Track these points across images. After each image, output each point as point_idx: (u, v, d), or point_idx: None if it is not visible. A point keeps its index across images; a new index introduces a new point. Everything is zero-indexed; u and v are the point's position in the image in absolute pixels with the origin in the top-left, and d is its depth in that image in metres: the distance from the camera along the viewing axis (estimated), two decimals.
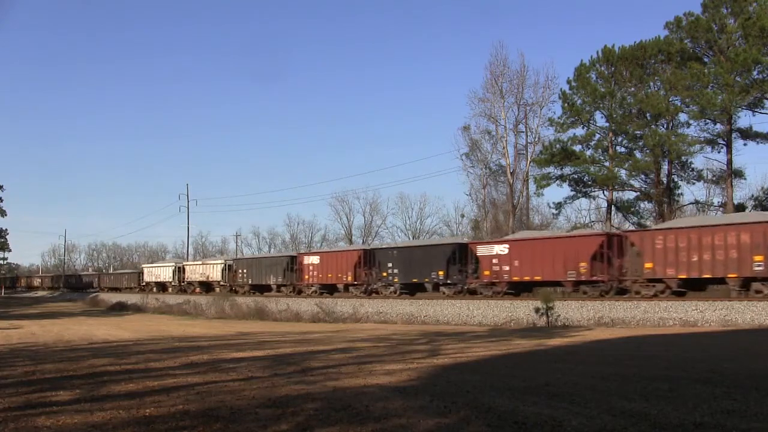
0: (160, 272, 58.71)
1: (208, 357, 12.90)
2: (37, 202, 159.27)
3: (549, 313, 23.75)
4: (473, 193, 51.71)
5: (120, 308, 49.89)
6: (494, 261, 30.08)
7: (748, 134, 37.93)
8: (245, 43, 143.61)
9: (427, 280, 33.35)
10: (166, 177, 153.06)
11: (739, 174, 39.34)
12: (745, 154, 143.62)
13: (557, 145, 42.00)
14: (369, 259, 37.06)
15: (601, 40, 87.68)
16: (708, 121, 37.83)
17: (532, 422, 5.97)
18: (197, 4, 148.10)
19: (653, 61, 39.50)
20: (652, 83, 40.01)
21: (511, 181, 46.47)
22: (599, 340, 17.00)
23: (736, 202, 38.54)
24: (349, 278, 37.53)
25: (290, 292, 41.94)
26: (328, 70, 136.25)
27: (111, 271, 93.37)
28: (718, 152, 39.19)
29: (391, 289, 35.12)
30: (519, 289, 30.02)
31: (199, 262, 55.07)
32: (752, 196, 41.30)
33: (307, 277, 40.59)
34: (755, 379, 8.88)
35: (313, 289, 40.31)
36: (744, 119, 51.00)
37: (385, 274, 35.28)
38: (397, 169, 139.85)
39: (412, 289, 34.67)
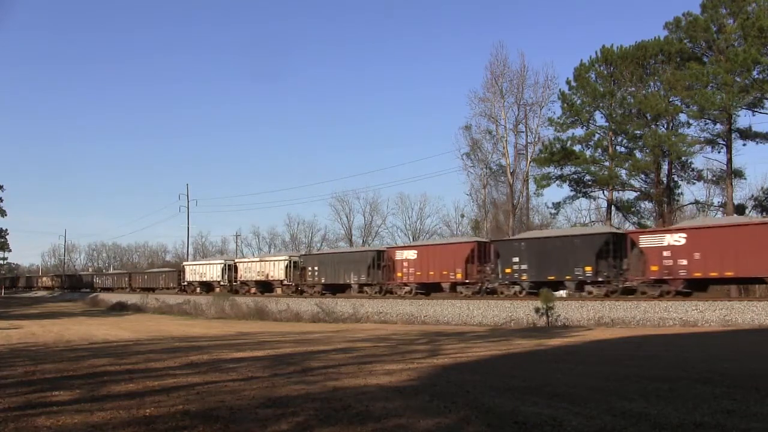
0: (205, 270, 52.85)
1: (208, 357, 12.90)
2: (37, 202, 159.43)
3: (549, 313, 23.76)
4: (473, 193, 51.79)
5: (120, 308, 49.88)
6: (665, 254, 25.17)
7: (747, 134, 37.97)
8: (245, 43, 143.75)
9: (568, 277, 27.79)
10: (166, 177, 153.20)
11: (738, 174, 39.39)
12: (744, 154, 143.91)
13: (557, 145, 42.06)
14: (484, 252, 31.88)
15: (600, 40, 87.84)
16: (708, 121, 37.89)
17: (532, 422, 5.97)
18: (197, 4, 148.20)
19: (653, 61, 39.56)
20: (651, 83, 40.06)
21: (511, 181, 46.49)
22: (599, 340, 17.00)
23: (736, 202, 38.58)
24: (458, 275, 32.04)
25: (376, 292, 36.52)
26: (328, 70, 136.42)
27: (146, 269, 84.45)
28: (718, 152, 39.28)
29: (516, 288, 29.95)
30: (698, 287, 25.82)
31: (257, 259, 49.30)
32: (752, 196, 41.39)
33: (400, 274, 34.92)
34: (755, 379, 8.88)
35: (408, 289, 34.89)
36: (744, 119, 51.05)
37: (508, 270, 29.97)
38: (397, 169, 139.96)
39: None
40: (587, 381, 8.76)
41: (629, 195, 43.91)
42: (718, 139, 38.65)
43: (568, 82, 42.18)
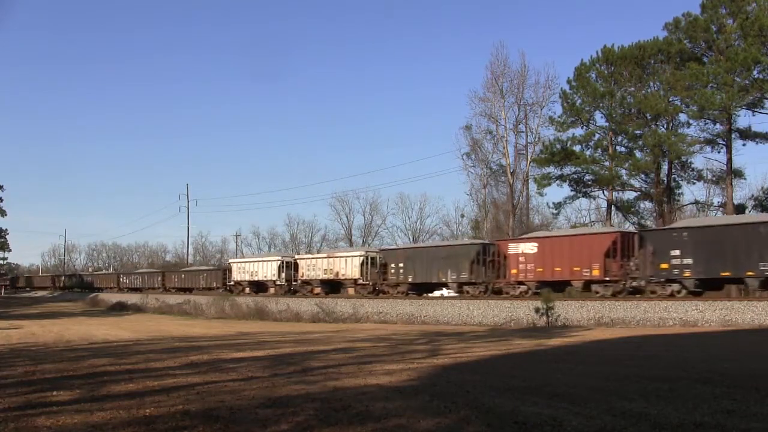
0: (257, 269, 47.14)
1: (208, 357, 12.90)
2: (37, 202, 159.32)
3: (549, 313, 23.75)
4: (474, 193, 51.80)
5: (120, 308, 49.88)
6: None
7: (747, 134, 37.99)
8: (245, 43, 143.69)
9: (751, 273, 23.12)
10: (166, 177, 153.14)
11: (738, 174, 39.41)
12: (744, 154, 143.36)
13: (557, 145, 42.07)
14: (627, 244, 27.20)
15: (601, 40, 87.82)
16: (708, 121, 37.91)
17: (532, 422, 5.97)
18: (197, 4, 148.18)
19: (653, 61, 39.59)
20: (651, 83, 40.08)
21: (512, 181, 46.51)
22: (599, 340, 17.00)
23: (735, 202, 38.58)
24: (594, 272, 27.18)
25: (481, 292, 31.46)
26: (328, 70, 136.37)
27: (184, 267, 74.52)
28: (718, 152, 39.30)
29: (673, 287, 25.11)
30: None
31: (323, 255, 43.29)
32: (752, 196, 41.39)
33: (514, 271, 29.91)
34: (755, 379, 8.88)
35: (523, 288, 29.77)
36: (743, 119, 51.02)
37: (665, 265, 24.96)
38: (397, 169, 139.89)
39: (711, 288, 24.82)
40: (587, 381, 8.76)
41: (629, 195, 43.97)
42: (718, 139, 38.67)
43: (568, 82, 42.23)
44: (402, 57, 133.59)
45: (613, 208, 43.53)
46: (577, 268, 27.69)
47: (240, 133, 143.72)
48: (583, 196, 45.38)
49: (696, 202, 44.99)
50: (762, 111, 36.91)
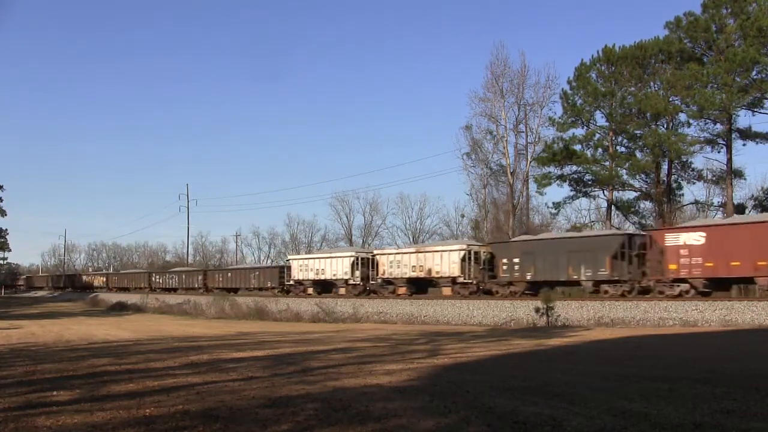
0: (325, 266, 41.07)
1: (208, 357, 12.90)
2: (37, 202, 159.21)
3: (549, 313, 23.75)
4: (474, 193, 51.71)
5: (120, 308, 49.86)
6: None
7: (747, 134, 37.98)
8: (245, 43, 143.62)
9: None
10: (166, 177, 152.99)
11: (738, 174, 39.40)
12: (744, 154, 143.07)
13: (558, 145, 42.07)
14: None
15: (601, 40, 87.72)
16: (708, 121, 37.90)
17: (532, 422, 5.97)
18: (197, 4, 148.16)
19: (653, 60, 39.58)
20: (652, 83, 40.08)
21: (512, 181, 46.48)
22: (599, 340, 17.01)
23: (736, 202, 38.58)
24: None
25: (627, 291, 26.51)
26: (328, 70, 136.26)
27: (232, 266, 69.99)
28: (718, 152, 39.28)
29: None
30: None
31: (411, 249, 36.86)
32: (752, 196, 41.36)
33: (673, 266, 24.94)
34: (755, 379, 8.88)
35: (684, 287, 24.86)
36: (744, 119, 51.06)
37: None
38: (397, 169, 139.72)
39: None
40: (587, 381, 8.76)
41: (629, 195, 43.96)
42: (718, 139, 38.67)
43: (569, 82, 42.21)
44: (402, 57, 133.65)
45: (613, 208, 43.54)
46: (764, 263, 22.83)
47: (240, 133, 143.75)
48: (583, 196, 45.39)
49: (696, 202, 45.02)
50: (762, 111, 36.94)
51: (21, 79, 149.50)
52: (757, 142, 38.32)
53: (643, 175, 41.96)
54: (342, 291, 39.23)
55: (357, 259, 39.20)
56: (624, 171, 41.49)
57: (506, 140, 46.64)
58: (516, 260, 30.48)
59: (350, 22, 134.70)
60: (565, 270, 28.55)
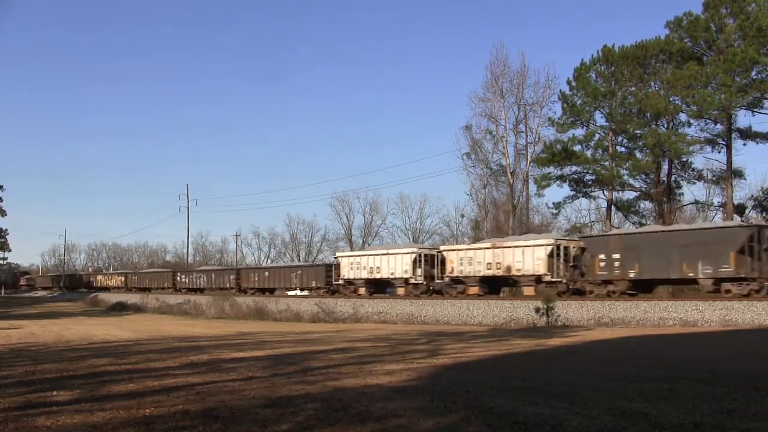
0: (380, 264, 37.24)
1: (208, 357, 12.90)
2: (37, 202, 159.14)
3: (549, 313, 23.75)
4: (474, 193, 51.69)
5: (120, 308, 49.87)
6: None
7: (747, 134, 37.98)
8: (245, 43, 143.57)
9: None
10: (166, 177, 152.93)
11: (738, 174, 39.40)
12: (745, 154, 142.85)
13: (557, 146, 42.07)
14: None
15: (601, 40, 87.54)
16: (708, 121, 37.91)
17: (532, 422, 5.97)
18: (197, 5, 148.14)
19: (653, 60, 39.59)
20: (652, 83, 40.08)
21: (512, 181, 46.48)
22: (599, 340, 17.01)
23: (735, 202, 38.58)
24: None
25: (755, 290, 23.43)
26: (328, 69, 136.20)
27: (270, 264, 65.64)
28: (718, 152, 39.29)
29: None
30: None
31: (485, 245, 33.15)
32: (752, 196, 41.34)
33: None
34: (755, 379, 8.89)
35: None
36: (744, 119, 51.04)
37: None
38: (397, 169, 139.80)
39: None
40: (587, 381, 8.76)
41: (629, 195, 43.97)
42: (718, 139, 38.68)
43: (568, 82, 42.19)
44: (402, 57, 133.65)
45: (613, 208, 43.55)
46: None
47: (240, 133, 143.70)
48: (583, 196, 45.41)
49: (696, 202, 45.05)
50: (762, 111, 36.93)
51: (21, 79, 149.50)
52: (757, 142, 38.34)
53: (643, 175, 41.98)
54: (400, 291, 35.69)
55: (419, 255, 35.27)
56: (624, 171, 41.51)
57: (506, 140, 46.67)
58: (616, 256, 26.85)
59: (350, 22, 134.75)
60: (677, 266, 25.13)
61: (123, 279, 68.38)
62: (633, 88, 39.95)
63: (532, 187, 46.33)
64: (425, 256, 35.34)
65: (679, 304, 23.49)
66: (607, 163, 41.67)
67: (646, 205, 43.63)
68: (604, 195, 44.20)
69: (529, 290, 30.07)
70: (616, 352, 13.65)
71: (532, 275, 29.80)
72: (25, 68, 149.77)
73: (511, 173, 46.38)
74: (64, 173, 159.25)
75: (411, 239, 66.59)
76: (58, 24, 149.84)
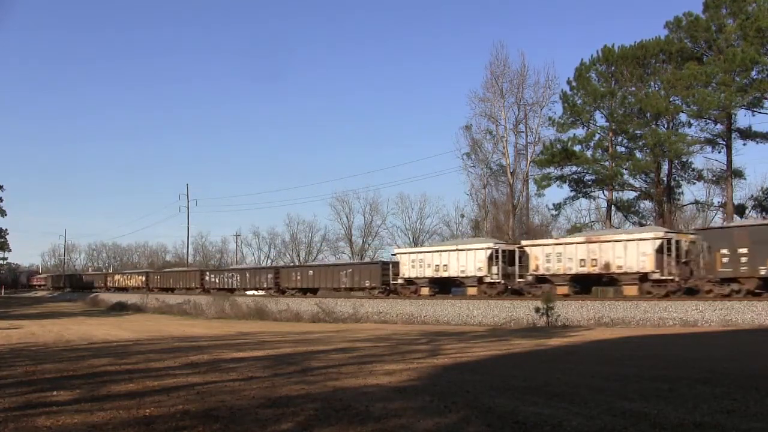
0: (450, 261, 33.43)
1: (208, 357, 12.90)
2: (37, 202, 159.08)
3: (549, 313, 23.74)
4: (474, 193, 51.72)
5: (120, 308, 49.86)
6: None
7: (747, 134, 38.02)
8: (245, 44, 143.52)
9: None
10: (166, 177, 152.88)
11: (738, 174, 39.43)
12: (745, 154, 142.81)
13: (558, 146, 42.10)
14: None
15: (601, 40, 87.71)
16: (708, 121, 37.96)
17: (532, 422, 5.97)
18: (197, 5, 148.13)
19: (653, 60, 39.64)
20: (652, 83, 40.11)
21: (511, 181, 46.51)
22: (599, 340, 17.01)
23: (735, 202, 38.61)
24: None
25: None
26: (328, 70, 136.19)
27: (313, 262, 60.84)
28: (718, 152, 39.35)
29: None
30: None
31: (580, 239, 29.53)
32: (752, 196, 41.38)
33: None
34: (755, 379, 8.89)
35: None
36: (744, 119, 51.09)
37: None
38: (397, 169, 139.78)
39: None
40: (587, 381, 8.76)
41: (629, 195, 44.01)
42: (718, 139, 38.72)
43: (569, 82, 42.24)
44: (402, 57, 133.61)
45: (613, 208, 43.57)
46: None
47: (240, 133, 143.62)
48: (583, 197, 45.45)
49: (696, 202, 45.09)
50: (762, 111, 36.97)
51: (21, 79, 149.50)
52: (757, 142, 38.40)
53: (643, 175, 42.02)
54: (472, 291, 32.23)
55: (496, 251, 31.80)
56: (624, 171, 41.55)
57: (506, 140, 46.70)
58: (743, 250, 23.59)
59: (350, 22, 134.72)
60: None
61: (144, 279, 63.06)
62: (633, 88, 39.97)
63: (533, 187, 46.43)
64: (503, 251, 31.93)
65: (679, 304, 23.50)
66: (607, 163, 41.71)
67: (646, 205, 43.73)
68: (604, 195, 44.28)
69: (630, 289, 26.74)
70: (616, 352, 13.65)
71: (636, 273, 26.50)
72: (25, 68, 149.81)
73: (511, 173, 46.41)
74: (64, 173, 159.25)
75: (411, 239, 66.62)
76: (58, 24, 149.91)
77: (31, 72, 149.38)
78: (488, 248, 32.20)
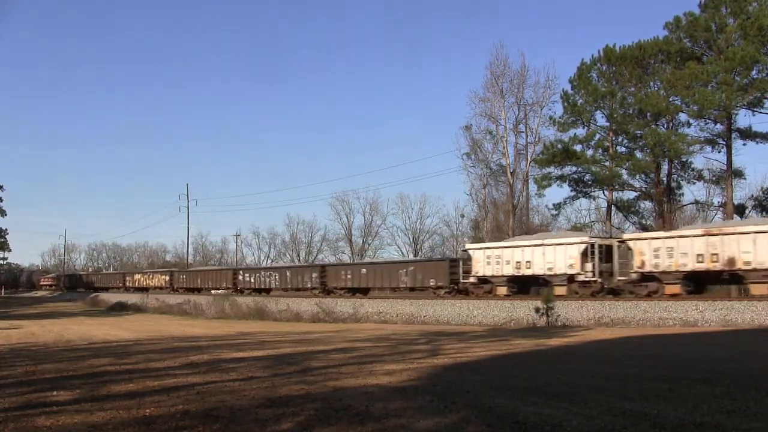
0: (533, 257, 29.84)
1: (208, 357, 12.90)
2: (37, 202, 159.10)
3: (549, 313, 23.74)
4: (474, 193, 51.68)
5: (120, 308, 49.86)
6: None
7: (747, 134, 38.00)
8: (246, 45, 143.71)
9: None
10: (166, 177, 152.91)
11: (738, 174, 39.42)
12: (745, 154, 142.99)
13: (558, 145, 42.09)
14: None
15: (601, 40, 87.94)
16: (708, 120, 37.95)
17: (532, 422, 5.97)
18: (198, 6, 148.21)
19: (653, 60, 39.61)
20: (652, 83, 40.11)
21: (512, 181, 46.47)
22: (599, 340, 17.01)
23: (735, 202, 38.60)
24: None
25: None
26: (329, 70, 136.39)
27: (370, 260, 57.44)
28: (718, 152, 39.33)
29: None
30: None
31: (697, 232, 26.02)
32: (752, 196, 41.39)
33: None
34: (755, 379, 8.89)
35: None
36: (744, 119, 51.10)
37: None
38: (397, 169, 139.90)
39: None
40: (587, 381, 8.76)
41: (629, 195, 44.00)
42: (718, 139, 38.70)
43: (570, 81, 42.22)
44: (402, 57, 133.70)
45: (613, 208, 43.56)
46: None
47: (240, 133, 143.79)
48: (583, 197, 45.43)
49: (696, 202, 45.09)
50: (762, 111, 36.94)
51: (21, 80, 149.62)
52: (757, 142, 38.36)
53: (643, 175, 42.01)
54: (560, 291, 28.43)
55: (591, 246, 28.32)
56: (624, 171, 41.55)
57: (506, 140, 46.64)
58: None
59: (350, 23, 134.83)
60: None
61: (168, 278, 57.59)
62: (633, 89, 39.98)
63: (533, 187, 46.39)
64: (599, 246, 28.49)
65: (679, 304, 23.50)
66: (607, 163, 41.71)
67: (646, 205, 43.71)
68: (604, 195, 44.25)
69: (760, 288, 23.76)
70: (616, 352, 13.64)
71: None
72: (25, 69, 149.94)
73: (511, 173, 46.38)
74: (64, 173, 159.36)
75: (411, 239, 66.63)
76: (58, 24, 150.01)
77: (31, 73, 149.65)
78: (582, 242, 28.81)
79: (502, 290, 31.12)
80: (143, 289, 59.65)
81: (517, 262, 30.52)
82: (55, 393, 8.20)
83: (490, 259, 31.75)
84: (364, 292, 38.83)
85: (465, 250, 34.75)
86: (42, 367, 11.40)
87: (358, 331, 22.93)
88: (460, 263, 33.81)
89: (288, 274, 44.95)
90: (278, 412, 6.59)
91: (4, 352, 15.33)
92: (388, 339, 17.83)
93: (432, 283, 34.76)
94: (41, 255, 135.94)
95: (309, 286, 42.11)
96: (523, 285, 31.46)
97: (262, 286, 46.65)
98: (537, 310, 24.05)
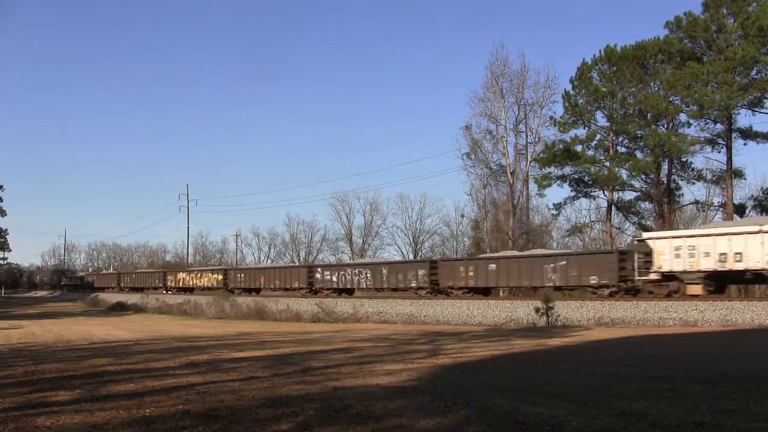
0: (745, 247, 23.75)
1: (208, 357, 12.90)
2: (37, 202, 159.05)
3: (549, 313, 23.74)
4: (474, 193, 51.67)
5: (120, 308, 49.88)
6: None
7: (748, 134, 38.03)
8: (246, 45, 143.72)
9: None
10: (166, 177, 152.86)
11: (739, 174, 39.45)
12: (745, 154, 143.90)
13: (559, 145, 42.10)
14: None
15: (601, 40, 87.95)
16: (708, 121, 37.98)
17: (532, 422, 5.97)
18: (198, 6, 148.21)
19: (653, 60, 39.62)
20: (652, 83, 40.12)
21: (512, 181, 46.47)
22: (599, 340, 17.00)
23: (736, 202, 38.61)
24: None
25: None
26: (329, 70, 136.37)
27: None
28: (718, 152, 39.37)
29: None
30: None
31: None
32: (752, 196, 41.41)
33: None
34: (755, 379, 8.89)
35: None
36: (744, 119, 51.12)
37: None
38: (397, 169, 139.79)
39: None
40: (587, 381, 8.76)
41: (629, 195, 44.02)
42: (718, 139, 38.73)
43: (571, 81, 42.22)
44: (402, 57, 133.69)
45: (613, 208, 43.57)
46: None
47: (240, 133, 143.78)
48: (583, 197, 45.45)
49: (696, 202, 45.08)
50: (762, 110, 36.97)
51: (21, 79, 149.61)
52: (757, 142, 38.41)
53: (643, 176, 42.02)
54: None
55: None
56: (624, 171, 41.57)
57: (506, 140, 46.65)
58: None
59: (350, 23, 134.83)
60: None
61: (221, 277, 49.93)
62: (633, 89, 39.99)
63: (533, 187, 46.40)
64: None
65: (679, 304, 23.49)
66: (607, 164, 41.72)
67: (646, 205, 43.71)
68: (605, 195, 44.26)
69: None
70: (617, 352, 13.64)
71: None
72: (25, 69, 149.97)
73: (511, 173, 46.38)
74: (64, 173, 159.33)
75: (411, 239, 66.59)
76: (58, 24, 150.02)
77: (31, 73, 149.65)
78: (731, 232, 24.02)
79: (695, 289, 25.21)
80: (188, 290, 52.97)
81: (721, 254, 24.48)
82: (55, 393, 8.20)
83: (679, 251, 25.63)
84: (486, 293, 31.31)
85: (642, 240, 28.03)
86: (42, 367, 11.40)
87: (358, 331, 22.93)
88: (635, 256, 27.16)
89: (384, 270, 36.88)
90: (278, 412, 6.59)
91: (4, 352, 15.33)
92: (388, 339, 17.83)
93: (593, 280, 28.17)
94: (41, 255, 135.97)
95: (414, 285, 34.87)
96: (726, 282, 26.25)
97: (348, 285, 38.65)
98: (537, 310, 24.05)
